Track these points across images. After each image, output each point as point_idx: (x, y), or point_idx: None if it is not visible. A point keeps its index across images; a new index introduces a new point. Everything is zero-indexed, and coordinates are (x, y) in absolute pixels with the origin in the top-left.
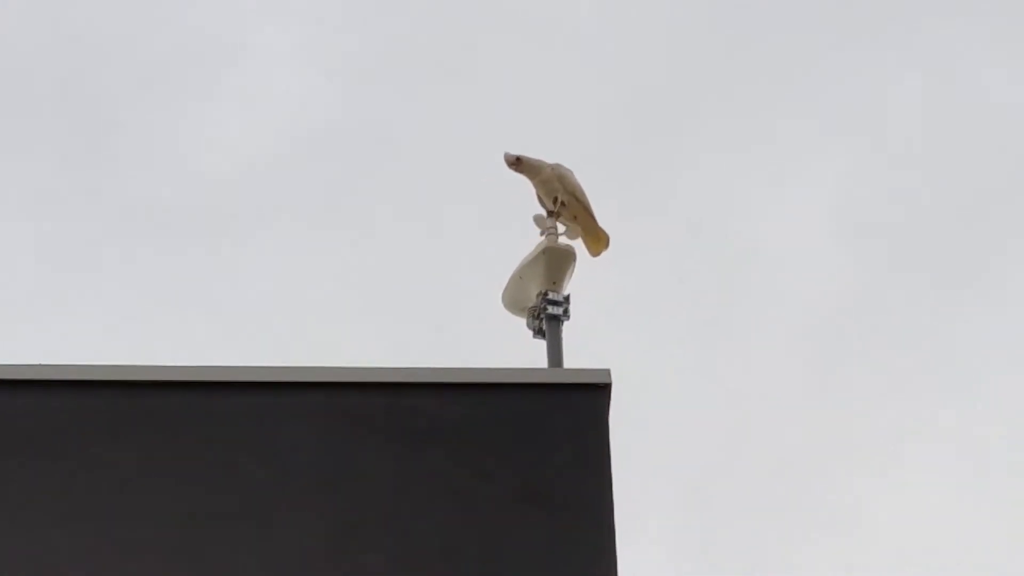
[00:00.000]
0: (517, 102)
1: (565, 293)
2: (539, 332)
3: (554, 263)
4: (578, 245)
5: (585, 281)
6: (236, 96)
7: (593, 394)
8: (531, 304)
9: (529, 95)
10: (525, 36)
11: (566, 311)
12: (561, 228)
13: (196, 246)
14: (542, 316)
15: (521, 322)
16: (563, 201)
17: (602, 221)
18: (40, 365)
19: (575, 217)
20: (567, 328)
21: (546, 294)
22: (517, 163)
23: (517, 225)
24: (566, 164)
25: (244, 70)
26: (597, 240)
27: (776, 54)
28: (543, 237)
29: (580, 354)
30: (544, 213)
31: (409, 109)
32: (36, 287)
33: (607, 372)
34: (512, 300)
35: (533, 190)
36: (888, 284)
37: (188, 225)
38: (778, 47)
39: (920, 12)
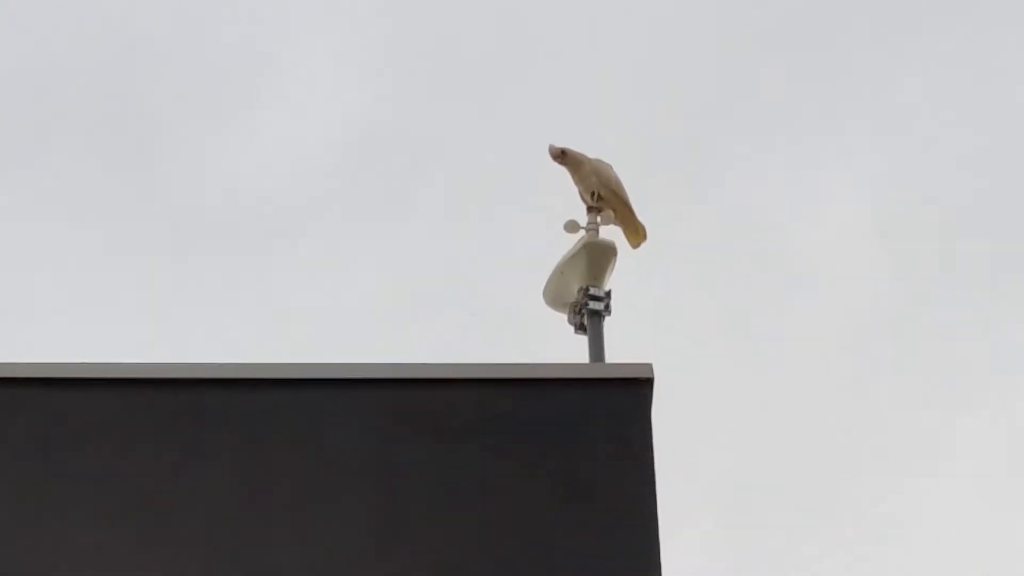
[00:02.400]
0: (556, 103)
1: (606, 288)
2: (580, 328)
3: (595, 258)
4: (619, 239)
5: (627, 276)
6: (278, 105)
7: (635, 389)
8: (572, 300)
9: (568, 94)
10: (560, 37)
11: (607, 306)
12: (599, 219)
13: (243, 250)
14: (583, 311)
15: (563, 318)
16: (601, 195)
17: (642, 217)
18: (88, 363)
19: (614, 211)
20: (608, 323)
21: (587, 289)
22: (562, 156)
23: (558, 221)
24: (610, 158)
25: (286, 80)
26: (636, 233)
27: (814, 55)
28: (584, 232)
29: (621, 350)
30: (584, 208)
31: (449, 111)
32: (84, 290)
33: (649, 367)
34: (554, 296)
35: (573, 184)
36: (927, 287)
37: (234, 229)
38: (816, 48)
39: (960, 11)
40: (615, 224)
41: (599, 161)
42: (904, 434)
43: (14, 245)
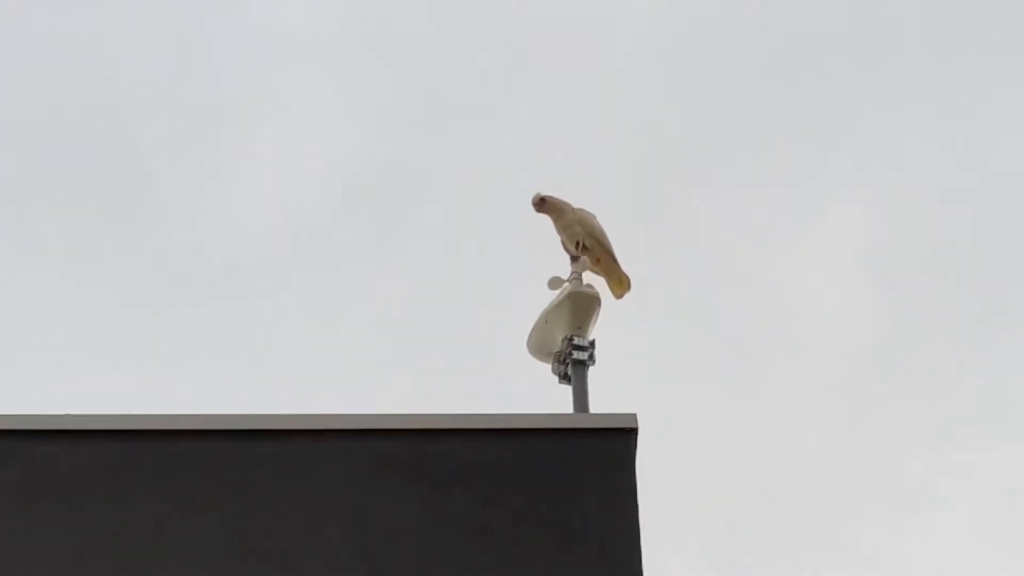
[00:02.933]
0: (545, 143)
1: (590, 338)
2: (565, 377)
3: (579, 308)
4: (602, 288)
5: (610, 326)
6: (271, 149)
7: (620, 438)
8: (557, 349)
9: (557, 135)
10: (554, 75)
11: (591, 356)
12: (573, 266)
13: (232, 296)
14: (568, 361)
15: (547, 367)
16: (585, 244)
17: (628, 265)
18: (74, 415)
19: (598, 260)
20: (592, 372)
21: (571, 339)
22: (541, 203)
23: (542, 270)
24: (595, 207)
25: (279, 123)
26: (619, 283)
27: (800, 97)
28: (567, 282)
29: (606, 398)
30: (568, 259)
31: (439, 159)
32: (72, 338)
33: (633, 416)
34: (538, 345)
35: (556, 233)
36: (918, 326)
37: (224, 275)
38: (802, 89)
39: (950, 56)
40: (596, 272)
41: (583, 210)
42: (895, 475)
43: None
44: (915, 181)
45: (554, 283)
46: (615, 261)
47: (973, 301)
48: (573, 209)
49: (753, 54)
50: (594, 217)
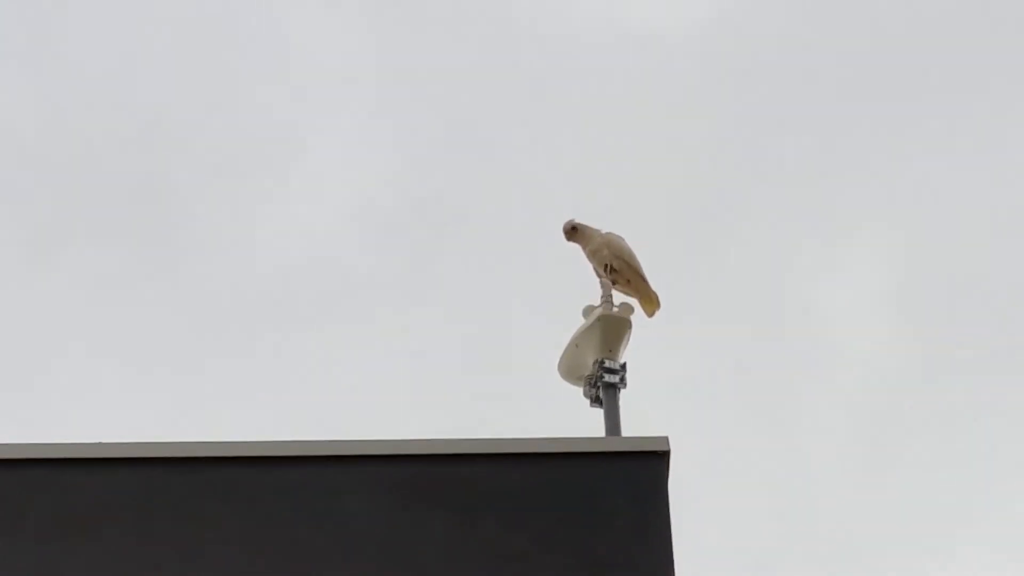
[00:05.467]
0: (577, 176)
1: (621, 361)
2: (596, 400)
3: (610, 331)
4: (634, 308)
5: (643, 349)
6: (299, 186)
7: (652, 462)
8: (588, 372)
9: (588, 167)
10: (581, 112)
11: (623, 379)
12: (602, 287)
13: (261, 330)
14: (599, 384)
15: (578, 391)
16: (614, 267)
17: (660, 290)
18: (104, 443)
19: (628, 281)
20: (624, 396)
21: (602, 362)
22: (572, 232)
23: (574, 294)
24: (626, 232)
25: (307, 161)
26: (650, 302)
27: (831, 129)
28: (599, 305)
29: (638, 422)
30: (598, 281)
31: (467, 189)
32: (106, 372)
33: (665, 440)
34: (569, 369)
35: (587, 260)
36: (946, 361)
37: (253, 311)
38: (833, 121)
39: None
40: (627, 293)
41: (610, 233)
42: (927, 508)
43: (33, 328)
44: (946, 213)
45: (588, 312)
46: (645, 281)
47: (1001, 335)
48: (602, 234)
49: (784, 80)
50: (622, 239)
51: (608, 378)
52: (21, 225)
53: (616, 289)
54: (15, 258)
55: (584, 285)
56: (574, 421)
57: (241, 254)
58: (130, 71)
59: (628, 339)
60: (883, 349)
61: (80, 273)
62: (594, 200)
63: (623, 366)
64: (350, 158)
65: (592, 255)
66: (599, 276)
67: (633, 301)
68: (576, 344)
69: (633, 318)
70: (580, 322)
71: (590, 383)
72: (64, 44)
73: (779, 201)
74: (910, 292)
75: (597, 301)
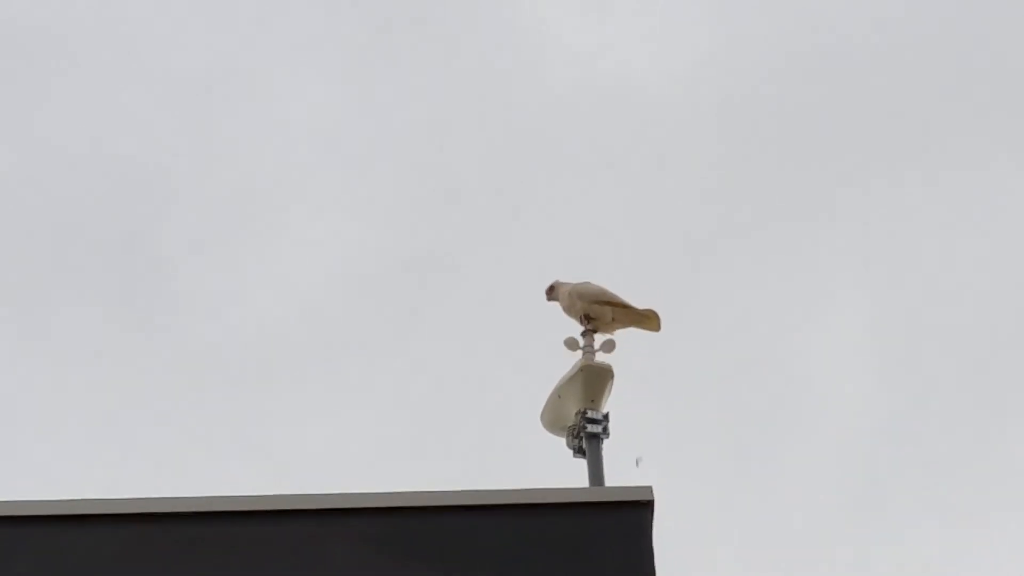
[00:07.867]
0: (559, 234)
1: (604, 411)
2: (579, 451)
3: (592, 381)
4: (616, 360)
5: (624, 399)
6: (287, 241)
7: (636, 511)
8: (571, 423)
9: (570, 226)
10: (565, 168)
11: (605, 429)
12: (599, 341)
13: (243, 387)
14: (582, 435)
15: (562, 441)
16: (591, 315)
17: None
18: (89, 500)
19: (613, 319)
20: (607, 446)
21: (585, 412)
22: (550, 291)
23: (555, 345)
24: (607, 285)
25: (295, 215)
26: (648, 320)
27: (814, 173)
28: (580, 356)
29: (621, 472)
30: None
31: (451, 245)
32: (93, 427)
33: (649, 489)
34: (552, 420)
35: (568, 316)
36: (925, 411)
37: (234, 366)
38: (812, 168)
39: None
40: (621, 328)
41: (578, 284)
42: (910, 556)
43: (16, 388)
44: (926, 262)
45: (571, 344)
46: (630, 307)
47: (987, 383)
48: (569, 287)
49: (762, 133)
50: (588, 283)
51: (591, 428)
52: None
53: (608, 331)
54: None
55: (565, 333)
56: (558, 472)
57: (226, 308)
58: (116, 124)
59: (610, 389)
60: (865, 397)
61: (64, 328)
62: (575, 253)
63: (606, 416)
64: (331, 218)
65: (568, 311)
66: (583, 327)
67: (633, 330)
68: (559, 395)
69: (651, 334)
70: (564, 373)
71: (573, 433)
72: (43, 108)
73: (755, 250)
74: (894, 339)
75: (581, 341)
